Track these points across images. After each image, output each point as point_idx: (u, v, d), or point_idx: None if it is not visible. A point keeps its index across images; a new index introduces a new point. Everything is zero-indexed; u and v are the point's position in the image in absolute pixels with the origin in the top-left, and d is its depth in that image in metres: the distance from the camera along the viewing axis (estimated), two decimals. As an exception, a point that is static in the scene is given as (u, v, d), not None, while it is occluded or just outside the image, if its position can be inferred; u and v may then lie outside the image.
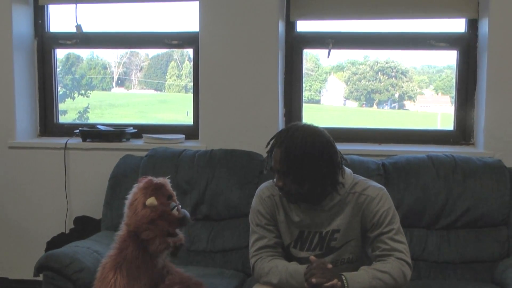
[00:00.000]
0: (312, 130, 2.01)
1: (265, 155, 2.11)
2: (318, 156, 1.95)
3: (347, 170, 2.11)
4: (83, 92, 4.06)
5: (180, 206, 2.16)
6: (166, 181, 2.18)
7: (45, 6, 3.52)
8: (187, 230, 2.81)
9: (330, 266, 1.95)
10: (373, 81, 3.74)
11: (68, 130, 3.51)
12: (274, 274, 2.04)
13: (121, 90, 4.21)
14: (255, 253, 2.13)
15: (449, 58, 3.43)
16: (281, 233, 2.14)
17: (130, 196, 2.14)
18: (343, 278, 1.91)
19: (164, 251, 2.13)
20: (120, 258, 2.09)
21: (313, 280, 1.88)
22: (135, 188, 2.15)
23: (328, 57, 3.26)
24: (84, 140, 3.36)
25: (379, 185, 2.11)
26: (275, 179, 2.05)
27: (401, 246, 2.00)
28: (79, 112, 4.03)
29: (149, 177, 2.16)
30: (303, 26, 3.32)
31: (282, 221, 2.13)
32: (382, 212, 2.02)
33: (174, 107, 4.25)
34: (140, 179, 2.17)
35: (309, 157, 1.94)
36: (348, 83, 3.81)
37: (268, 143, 2.06)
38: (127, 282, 2.07)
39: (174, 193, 2.20)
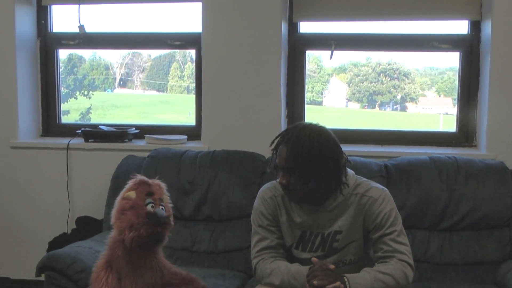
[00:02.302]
0: (319, 129, 2.02)
1: (267, 156, 2.11)
2: (324, 154, 1.96)
3: (350, 171, 2.11)
4: (85, 92, 4.06)
5: (161, 207, 2.12)
6: (155, 181, 2.18)
7: (48, 6, 3.53)
8: (188, 231, 2.84)
9: (332, 267, 1.94)
10: (375, 82, 3.74)
11: (70, 130, 3.51)
12: (276, 275, 2.04)
13: (124, 90, 4.21)
14: (257, 254, 2.13)
15: (451, 60, 3.43)
16: (283, 234, 2.14)
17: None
18: (345, 279, 1.90)
19: (142, 243, 2.07)
20: (110, 257, 2.11)
21: (315, 282, 1.87)
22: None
23: (330, 58, 3.26)
24: (86, 140, 3.36)
25: (382, 187, 2.11)
26: (278, 178, 2.05)
27: (404, 248, 2.00)
28: (81, 112, 4.03)
29: (138, 175, 2.19)
30: (306, 27, 3.32)
31: (284, 222, 2.13)
32: (384, 214, 2.02)
33: (177, 108, 4.25)
34: (131, 176, 2.19)
35: (316, 154, 1.94)
36: (350, 84, 3.81)
37: (273, 141, 2.07)
38: (118, 280, 2.08)
39: (168, 196, 2.19)
